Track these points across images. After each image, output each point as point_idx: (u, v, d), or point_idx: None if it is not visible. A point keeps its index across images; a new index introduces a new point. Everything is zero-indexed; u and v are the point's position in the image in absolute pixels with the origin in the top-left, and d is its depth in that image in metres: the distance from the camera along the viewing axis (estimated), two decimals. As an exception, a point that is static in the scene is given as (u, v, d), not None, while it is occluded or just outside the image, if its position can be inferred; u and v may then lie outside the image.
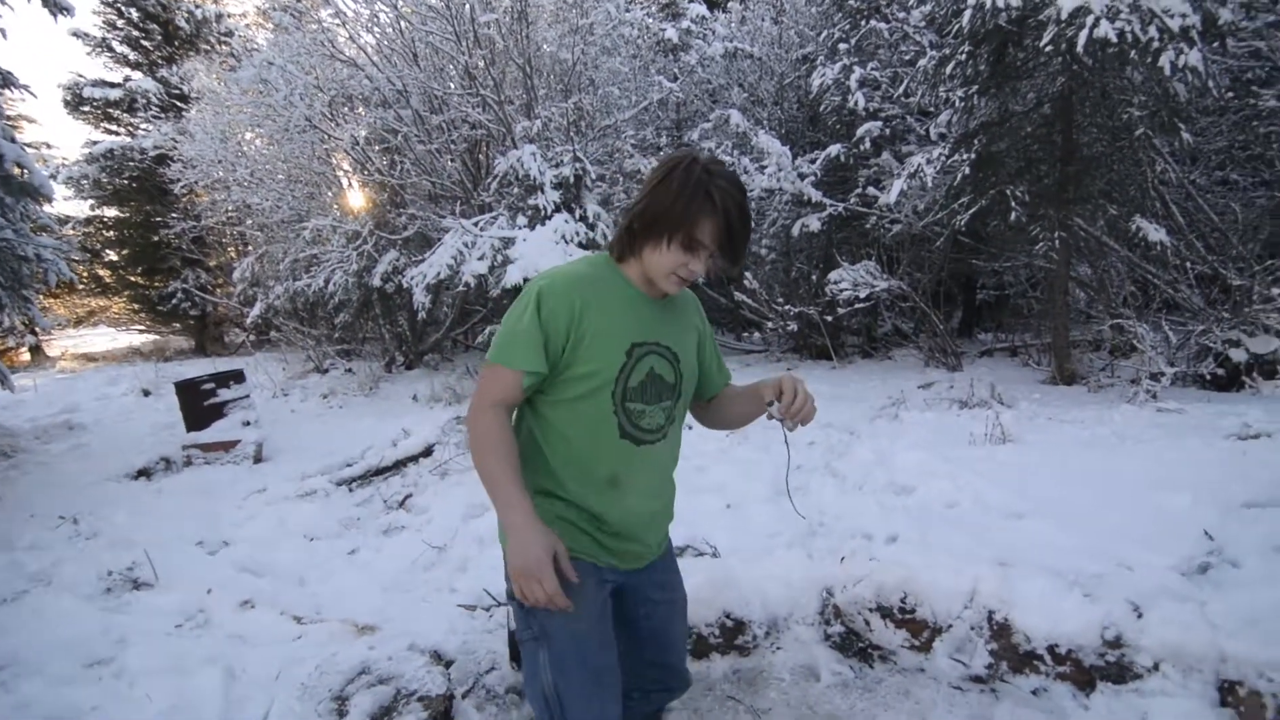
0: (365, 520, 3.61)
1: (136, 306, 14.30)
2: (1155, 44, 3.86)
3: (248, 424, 5.22)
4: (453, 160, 7.57)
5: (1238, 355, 4.36)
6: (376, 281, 7.57)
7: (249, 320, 9.67)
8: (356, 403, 7.02)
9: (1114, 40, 3.85)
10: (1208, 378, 4.46)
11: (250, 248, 11.53)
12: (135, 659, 2.25)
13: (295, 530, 3.52)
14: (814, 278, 6.61)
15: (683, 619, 1.45)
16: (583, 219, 6.21)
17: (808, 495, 3.30)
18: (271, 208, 9.11)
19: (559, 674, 1.19)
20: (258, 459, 4.87)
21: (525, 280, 5.70)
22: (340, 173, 9.06)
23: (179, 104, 13.00)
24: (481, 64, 6.93)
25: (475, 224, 6.24)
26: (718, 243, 1.13)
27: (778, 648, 2.12)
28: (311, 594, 2.95)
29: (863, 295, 5.63)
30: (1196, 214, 5.20)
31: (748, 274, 6.65)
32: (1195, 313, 4.84)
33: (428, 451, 4.15)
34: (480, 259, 5.98)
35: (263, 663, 2.37)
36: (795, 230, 6.36)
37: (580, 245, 5.96)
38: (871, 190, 6.12)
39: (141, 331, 15.30)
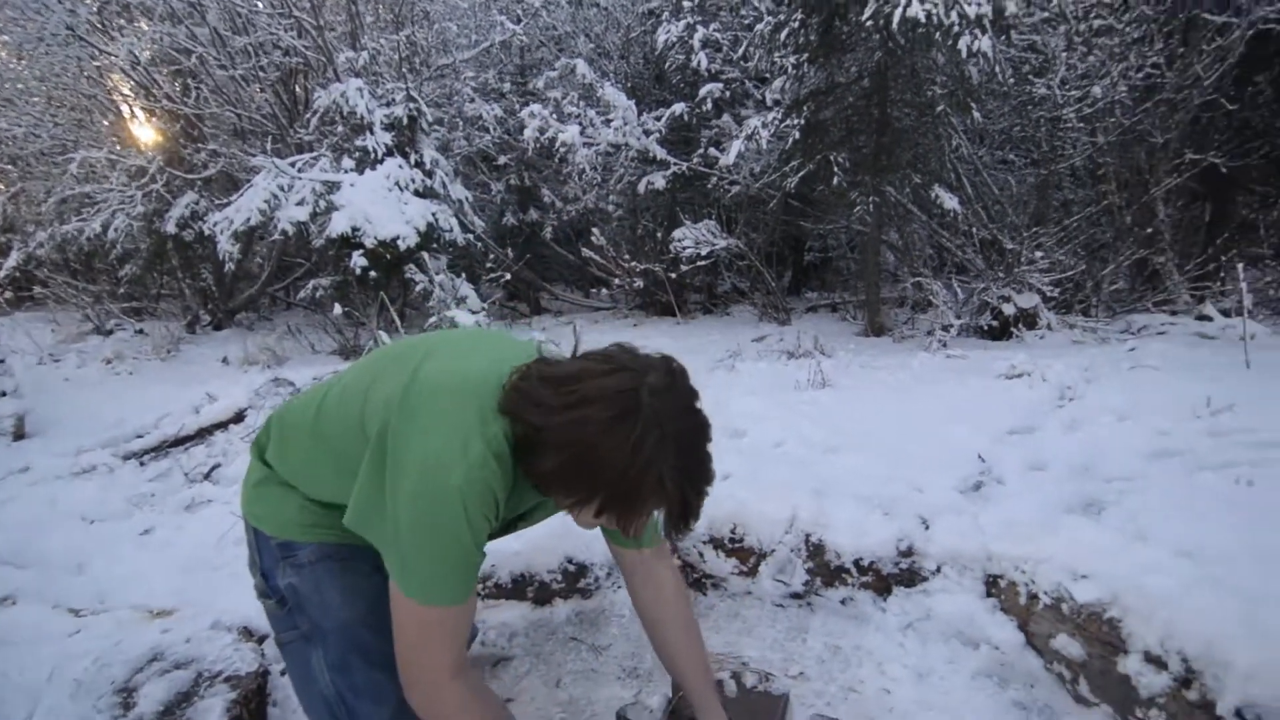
0: (162, 496, 3.17)
1: None
2: (955, 28, 4.29)
3: (3, 394, 4.36)
4: (262, 90, 6.69)
5: (1008, 309, 5.10)
6: (171, 228, 6.59)
7: (2, 273, 8.01)
8: (151, 368, 6.12)
9: (923, 21, 4.23)
10: (985, 328, 5.19)
11: (-1, 184, 9.50)
12: None
13: (69, 512, 3.01)
14: (659, 235, 6.73)
15: None
16: (419, 165, 5.80)
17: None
18: (26, 135, 7.51)
19: (340, 674, 1.06)
20: (19, 435, 4.10)
21: (354, 230, 5.24)
22: (118, 97, 7.67)
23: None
24: (294, -19, 6.14)
25: (292, 164, 5.59)
26: (666, 518, 0.94)
27: (618, 587, 2.18)
28: (92, 582, 2.55)
29: (704, 253, 5.84)
30: (982, 187, 5.95)
31: (595, 230, 6.63)
32: (978, 273, 5.57)
33: (239, 417, 3.72)
34: (300, 204, 5.39)
35: (30, 665, 2.01)
36: (641, 187, 6.42)
37: (417, 193, 5.59)
38: (713, 151, 6.30)
39: None
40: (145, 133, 7.67)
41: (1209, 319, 4.92)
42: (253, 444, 1.24)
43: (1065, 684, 1.74)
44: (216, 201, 6.43)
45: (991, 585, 1.94)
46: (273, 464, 1.16)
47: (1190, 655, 1.50)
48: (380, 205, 5.34)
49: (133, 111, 7.72)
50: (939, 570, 1.99)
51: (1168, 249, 5.70)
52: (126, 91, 7.58)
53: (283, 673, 1.88)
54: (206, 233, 6.02)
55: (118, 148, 7.24)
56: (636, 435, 0.84)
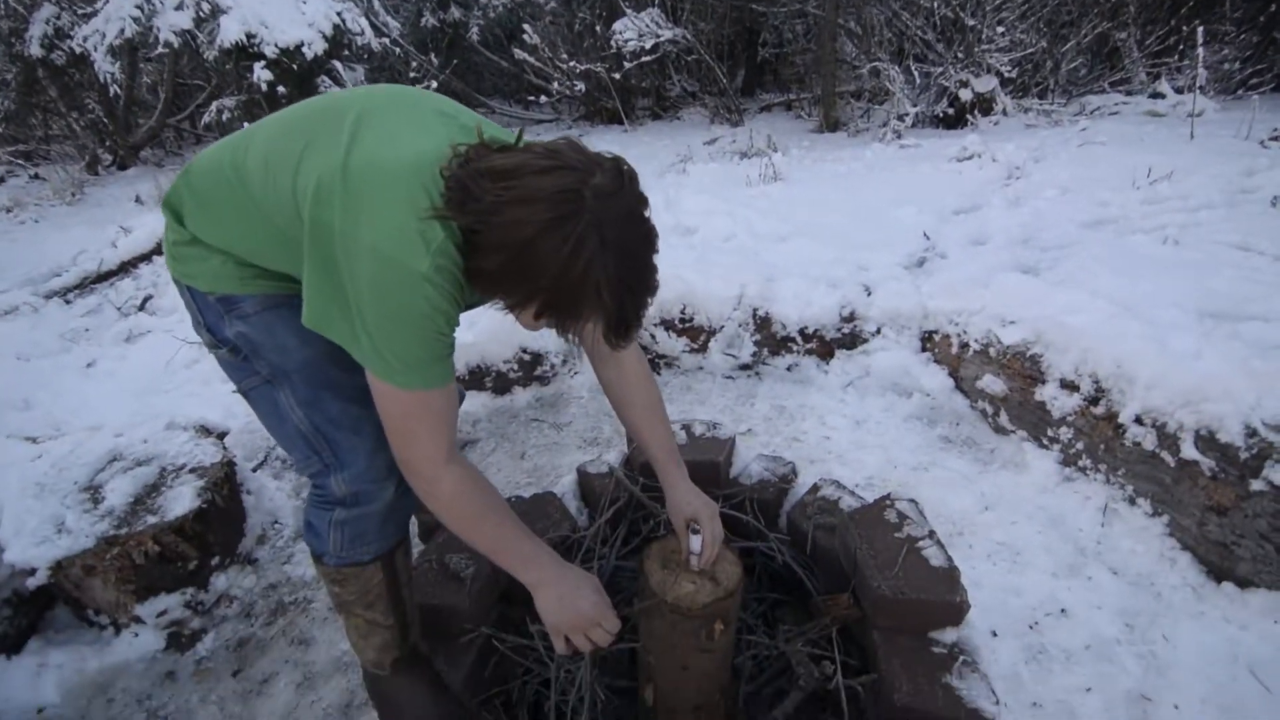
0: (97, 330, 3.06)
1: None
2: None
3: (-111, 244, 3.98)
4: None
5: (965, 94, 4.92)
6: (36, 49, 5.71)
7: None
8: (57, 213, 5.62)
9: None
10: (941, 116, 5.04)
11: None
12: None
13: (1, 353, 2.90)
14: (598, 30, 6.12)
15: None
16: (313, -49, 4.99)
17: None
18: None
19: (312, 409, 1.04)
20: (-78, 285, 3.81)
21: (249, 37, 4.62)
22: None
23: None
24: None
25: (160, -44, 4.76)
26: (604, 328, 0.87)
27: (575, 373, 2.24)
28: (44, 415, 2.52)
29: (649, 46, 5.37)
30: (947, -44, 5.44)
31: (528, 27, 5.99)
32: (938, 58, 5.29)
33: (161, 248, 3.49)
34: (179, 8, 4.67)
35: (-6, 488, 2.03)
36: (574, -28, 5.71)
37: (317, -12, 4.87)
38: (652, -78, 5.56)
39: None
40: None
41: (1161, 96, 4.84)
42: (164, 204, 1.12)
43: (987, 418, 1.90)
44: (80, 12, 5.53)
45: (926, 340, 2.04)
46: (197, 233, 1.04)
47: (1101, 376, 1.63)
48: (274, 4, 4.67)
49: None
50: (879, 331, 2.09)
51: (1131, 23, 5.44)
52: None
53: (255, 469, 1.94)
54: (79, 52, 5.25)
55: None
56: (575, 240, 0.78)
